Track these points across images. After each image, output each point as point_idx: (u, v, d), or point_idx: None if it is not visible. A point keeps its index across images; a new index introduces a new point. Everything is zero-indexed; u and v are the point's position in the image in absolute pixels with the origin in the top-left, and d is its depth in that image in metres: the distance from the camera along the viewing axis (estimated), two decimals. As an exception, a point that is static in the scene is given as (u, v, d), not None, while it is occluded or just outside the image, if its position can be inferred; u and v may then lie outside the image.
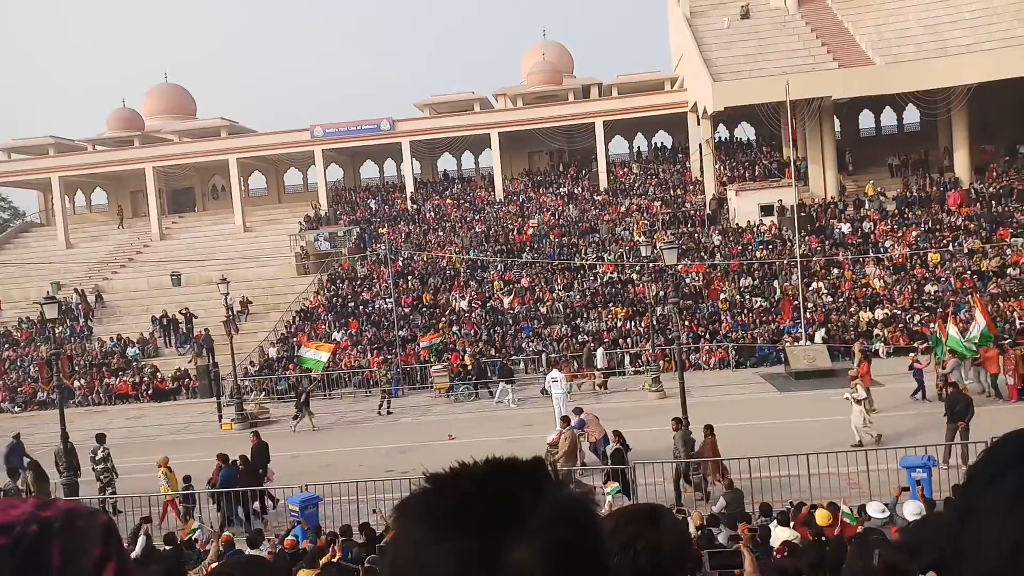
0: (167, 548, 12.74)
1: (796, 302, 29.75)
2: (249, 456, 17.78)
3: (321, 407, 29.42)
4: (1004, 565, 0.76)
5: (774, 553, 8.49)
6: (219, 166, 48.83)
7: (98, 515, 0.94)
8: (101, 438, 19.22)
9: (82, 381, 34.46)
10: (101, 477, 18.35)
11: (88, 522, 0.92)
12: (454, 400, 28.10)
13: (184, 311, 37.61)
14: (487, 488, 0.89)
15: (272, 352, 34.06)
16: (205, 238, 46.58)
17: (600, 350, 29.36)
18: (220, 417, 27.26)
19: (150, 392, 33.32)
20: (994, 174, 38.44)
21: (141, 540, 13.13)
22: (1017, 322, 27.78)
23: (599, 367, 28.50)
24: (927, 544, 1.55)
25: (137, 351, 36.46)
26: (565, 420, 18.41)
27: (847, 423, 19.45)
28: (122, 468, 19.00)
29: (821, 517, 11.03)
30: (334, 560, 9.88)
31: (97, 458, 18.48)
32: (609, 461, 16.29)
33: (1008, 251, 32.71)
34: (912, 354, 23.24)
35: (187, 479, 17.21)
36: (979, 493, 0.82)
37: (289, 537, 12.83)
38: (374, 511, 14.69)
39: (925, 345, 25.27)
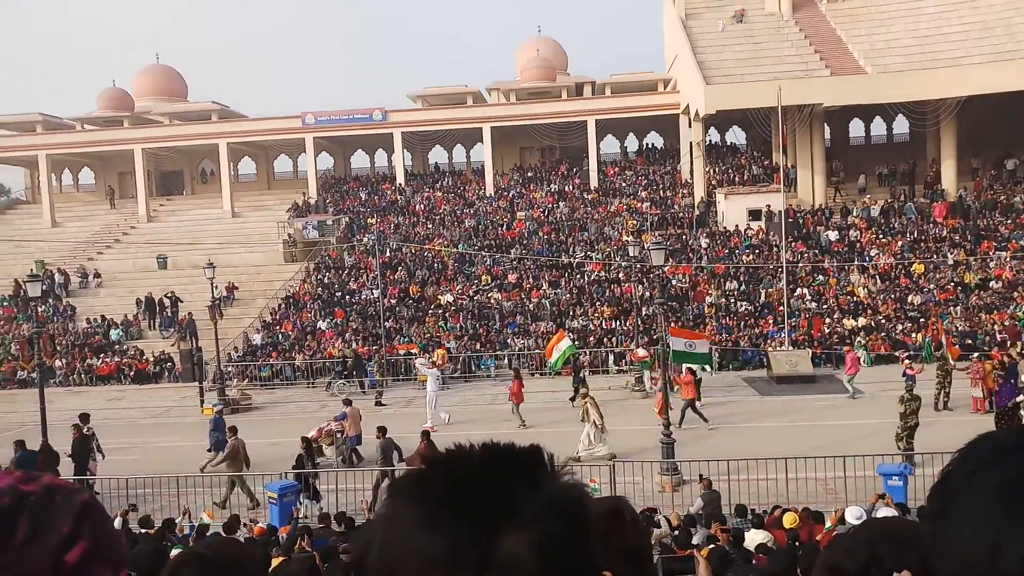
0: (144, 531, 12.69)
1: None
2: (70, 448, 17.66)
3: (304, 395, 29.40)
4: (982, 565, 0.76)
5: (754, 561, 8.57)
6: (209, 150, 48.54)
7: (79, 493, 0.92)
8: (85, 418, 19.10)
9: (63, 361, 34.24)
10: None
11: (66, 499, 0.90)
12: (331, 394, 27.97)
13: (169, 294, 37.43)
14: (483, 474, 0.88)
15: (257, 339, 33.95)
16: (192, 222, 46.34)
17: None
18: (202, 402, 27.16)
19: (132, 374, 33.15)
20: (981, 187, 38.77)
21: (117, 523, 13.10)
22: (998, 335, 28.07)
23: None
24: (862, 543, 1.61)
25: (120, 333, 36.26)
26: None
27: (827, 428, 19.65)
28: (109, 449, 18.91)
29: (788, 520, 11.15)
30: (307, 551, 9.90)
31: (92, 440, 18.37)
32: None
33: (991, 264, 33.03)
34: (906, 360, 23.43)
35: None
36: (956, 492, 0.82)
37: (260, 524, 12.82)
38: (366, 509, 14.72)
39: (907, 354, 25.58)
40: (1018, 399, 18.29)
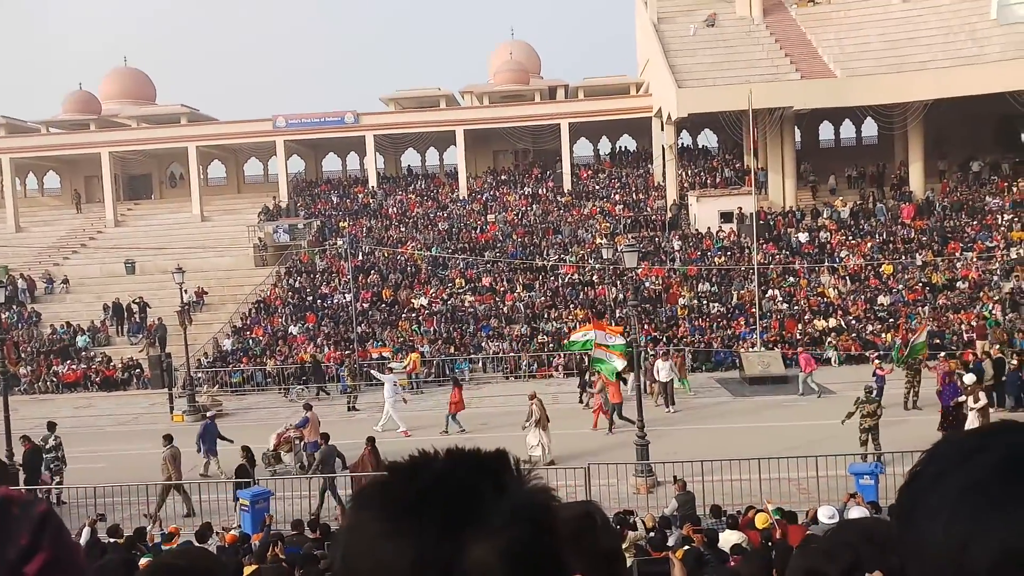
0: (112, 540, 12.47)
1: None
2: (20, 460, 17.37)
3: (276, 401, 29.07)
4: (949, 565, 0.77)
5: (730, 561, 8.59)
6: (178, 153, 47.96)
7: (36, 504, 0.91)
8: (52, 426, 18.75)
9: (28, 368, 33.59)
10: (51, 466, 17.94)
11: (23, 511, 0.88)
12: (290, 400, 28.12)
13: (138, 300, 36.87)
14: (448, 481, 0.86)
15: (227, 344, 33.55)
16: (161, 226, 45.73)
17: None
18: (171, 409, 26.81)
19: (99, 381, 32.60)
20: (947, 189, 39.42)
21: (86, 533, 12.85)
22: (965, 335, 28.49)
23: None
24: (842, 546, 1.60)
25: (87, 339, 35.65)
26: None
27: (799, 428, 19.81)
28: (68, 459, 18.56)
29: (760, 520, 11.22)
30: (280, 558, 9.76)
31: (47, 447, 18.05)
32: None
33: (958, 265, 33.56)
34: (876, 361, 23.70)
35: None
36: (923, 494, 0.83)
37: (232, 531, 12.65)
38: (337, 518, 14.61)
39: (875, 355, 25.91)
40: (960, 399, 18.56)
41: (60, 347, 35.06)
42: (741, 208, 37.24)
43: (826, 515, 11.08)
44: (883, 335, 29.46)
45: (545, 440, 18.44)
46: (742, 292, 33.01)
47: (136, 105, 52.11)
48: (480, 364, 31.18)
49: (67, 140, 47.88)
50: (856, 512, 10.78)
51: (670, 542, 10.59)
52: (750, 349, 28.75)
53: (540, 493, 0.91)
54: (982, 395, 18.21)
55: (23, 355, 34.48)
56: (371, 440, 16.88)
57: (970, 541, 0.76)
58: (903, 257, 34.48)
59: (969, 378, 18.90)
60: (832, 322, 30.86)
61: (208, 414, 19.87)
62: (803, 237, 36.46)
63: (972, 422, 17.89)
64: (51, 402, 30.56)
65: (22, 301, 38.98)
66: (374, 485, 0.89)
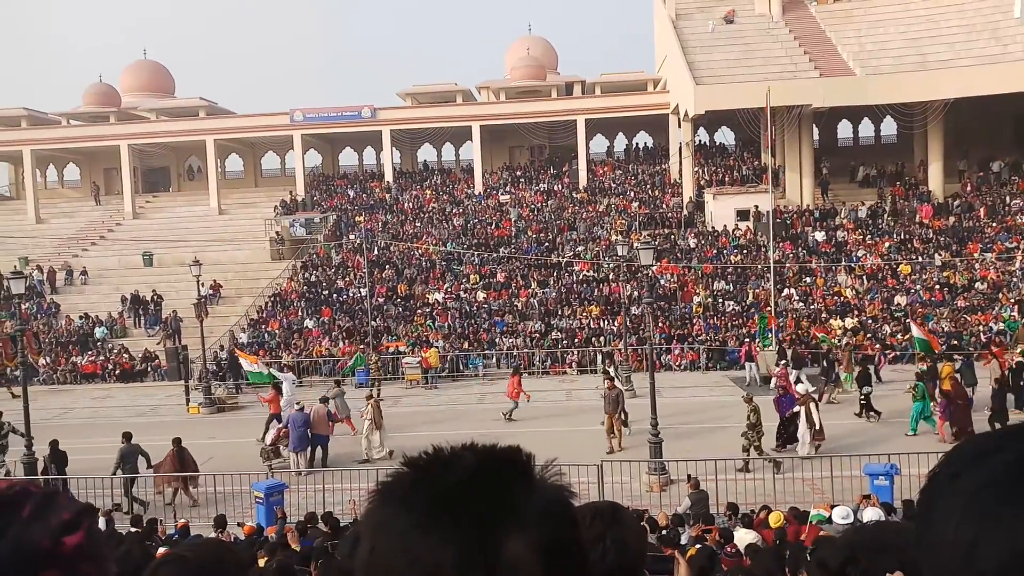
0: (133, 530, 12.58)
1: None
2: None
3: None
4: (959, 564, 0.78)
5: (725, 548, 8.58)
6: (196, 147, 48.24)
7: (80, 502, 1.03)
8: None
9: (47, 359, 33.92)
10: None
11: (68, 499, 1.00)
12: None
13: (155, 292, 37.14)
14: (480, 478, 0.87)
15: (243, 337, 33.74)
16: (179, 219, 46.04)
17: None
18: (188, 401, 27.00)
19: (117, 373, 32.88)
20: (967, 189, 39.03)
21: (101, 523, 12.98)
22: (982, 336, 28.21)
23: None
24: (863, 548, 1.59)
25: (105, 330, 35.97)
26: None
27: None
28: (83, 449, 18.70)
29: (773, 519, 11.18)
30: (296, 549, 9.82)
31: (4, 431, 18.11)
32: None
33: (976, 265, 33.23)
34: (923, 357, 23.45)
35: None
36: (938, 494, 0.83)
37: (249, 524, 12.73)
38: (352, 503, 14.66)
39: (893, 355, 25.72)
40: (795, 409, 18.28)
41: (78, 338, 35.42)
42: (758, 206, 37.02)
43: (840, 516, 11.03)
44: (899, 335, 29.24)
45: (378, 439, 19.09)
46: (758, 291, 32.85)
47: (155, 98, 52.45)
48: (494, 360, 31.19)
49: (87, 132, 48.25)
50: (870, 514, 10.72)
51: (682, 540, 10.58)
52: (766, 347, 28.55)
53: (562, 489, 0.93)
54: (813, 409, 17.96)
55: (42, 346, 34.82)
56: (177, 441, 16.86)
57: (979, 541, 0.77)
58: (921, 257, 34.20)
59: (802, 388, 18.63)
60: (849, 322, 30.65)
61: (296, 406, 19.34)
62: (820, 236, 36.21)
63: (804, 436, 17.69)
64: (69, 393, 30.86)
65: (41, 292, 39.37)
66: (401, 480, 0.88)
